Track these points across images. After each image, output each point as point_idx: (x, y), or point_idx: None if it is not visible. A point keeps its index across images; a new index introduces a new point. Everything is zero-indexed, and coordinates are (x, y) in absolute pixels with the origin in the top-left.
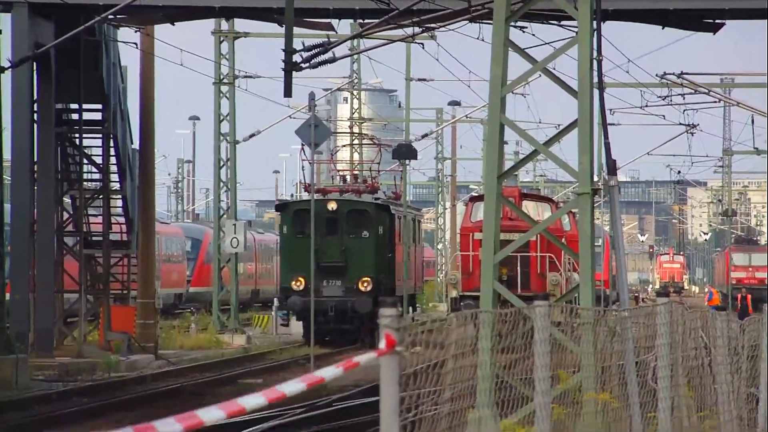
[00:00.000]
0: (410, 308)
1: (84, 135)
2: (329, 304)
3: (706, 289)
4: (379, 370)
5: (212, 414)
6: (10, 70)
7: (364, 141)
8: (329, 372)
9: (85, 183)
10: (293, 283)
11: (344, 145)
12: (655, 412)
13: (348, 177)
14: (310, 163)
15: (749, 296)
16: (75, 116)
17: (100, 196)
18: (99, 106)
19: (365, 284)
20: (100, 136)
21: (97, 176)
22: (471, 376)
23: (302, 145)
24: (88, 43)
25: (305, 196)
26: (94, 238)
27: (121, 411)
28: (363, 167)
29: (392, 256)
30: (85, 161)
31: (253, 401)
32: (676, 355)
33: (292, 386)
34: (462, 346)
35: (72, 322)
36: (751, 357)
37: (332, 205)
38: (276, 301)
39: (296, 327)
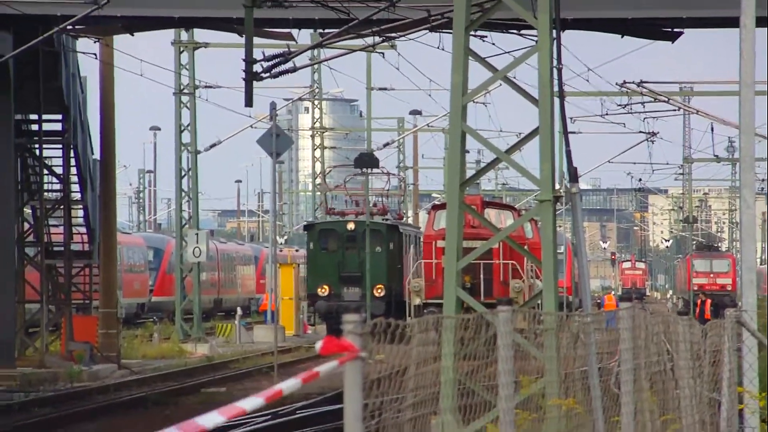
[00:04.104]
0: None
1: (44, 146)
2: (349, 307)
3: (668, 295)
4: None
5: None
6: None
7: (375, 171)
8: (289, 384)
9: (45, 194)
10: (318, 289)
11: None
12: (619, 417)
13: (360, 201)
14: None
15: (708, 301)
16: (35, 127)
17: (61, 207)
18: (59, 117)
19: (379, 291)
20: (61, 146)
21: (57, 186)
22: (434, 382)
23: (326, 172)
24: (47, 54)
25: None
26: (55, 249)
27: (83, 421)
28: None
29: (401, 267)
30: (46, 172)
31: (211, 420)
32: (638, 360)
33: (252, 401)
34: (424, 352)
35: (33, 332)
36: (713, 362)
37: (351, 225)
38: (239, 310)
39: (258, 336)
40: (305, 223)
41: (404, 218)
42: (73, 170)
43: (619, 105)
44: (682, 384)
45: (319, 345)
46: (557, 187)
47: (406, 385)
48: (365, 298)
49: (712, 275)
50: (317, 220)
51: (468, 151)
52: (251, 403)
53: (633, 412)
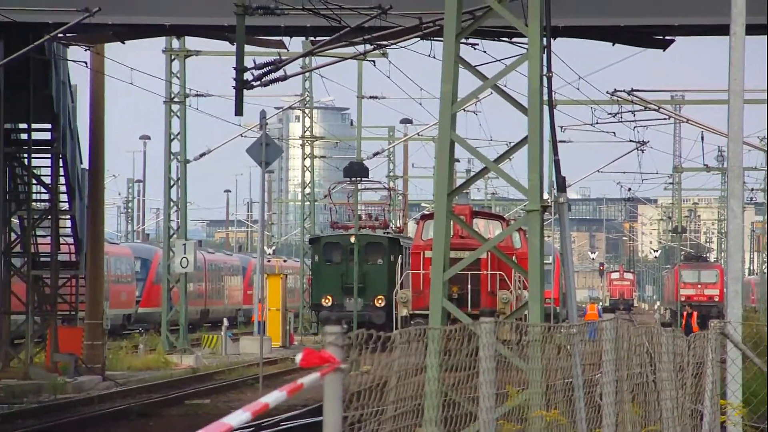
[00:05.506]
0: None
1: (33, 155)
2: (351, 316)
3: (656, 307)
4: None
5: None
6: None
7: (377, 187)
8: (274, 397)
9: (33, 203)
10: (323, 300)
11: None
12: (600, 429)
13: (363, 215)
14: (333, 205)
15: (695, 313)
16: (24, 136)
17: (49, 217)
18: (48, 126)
19: (380, 301)
20: (49, 155)
21: (45, 196)
22: (417, 394)
23: (331, 188)
24: (38, 62)
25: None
26: (42, 259)
27: None
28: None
29: None
30: (34, 181)
31: None
32: (621, 371)
33: (238, 417)
34: (406, 363)
35: (19, 343)
36: (697, 374)
37: (353, 239)
38: (225, 321)
39: (244, 347)
40: (310, 236)
41: (404, 231)
42: (62, 180)
43: (610, 114)
44: (664, 396)
45: (299, 357)
46: (545, 196)
47: (388, 397)
48: (367, 308)
49: (699, 286)
50: (322, 234)
51: (458, 161)
52: (238, 418)
53: (614, 424)
